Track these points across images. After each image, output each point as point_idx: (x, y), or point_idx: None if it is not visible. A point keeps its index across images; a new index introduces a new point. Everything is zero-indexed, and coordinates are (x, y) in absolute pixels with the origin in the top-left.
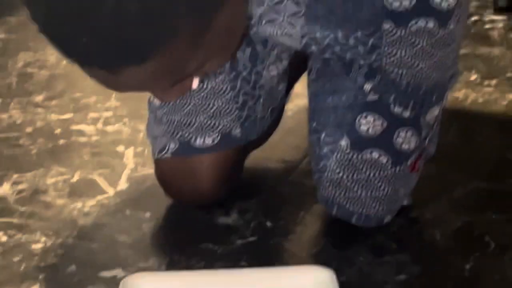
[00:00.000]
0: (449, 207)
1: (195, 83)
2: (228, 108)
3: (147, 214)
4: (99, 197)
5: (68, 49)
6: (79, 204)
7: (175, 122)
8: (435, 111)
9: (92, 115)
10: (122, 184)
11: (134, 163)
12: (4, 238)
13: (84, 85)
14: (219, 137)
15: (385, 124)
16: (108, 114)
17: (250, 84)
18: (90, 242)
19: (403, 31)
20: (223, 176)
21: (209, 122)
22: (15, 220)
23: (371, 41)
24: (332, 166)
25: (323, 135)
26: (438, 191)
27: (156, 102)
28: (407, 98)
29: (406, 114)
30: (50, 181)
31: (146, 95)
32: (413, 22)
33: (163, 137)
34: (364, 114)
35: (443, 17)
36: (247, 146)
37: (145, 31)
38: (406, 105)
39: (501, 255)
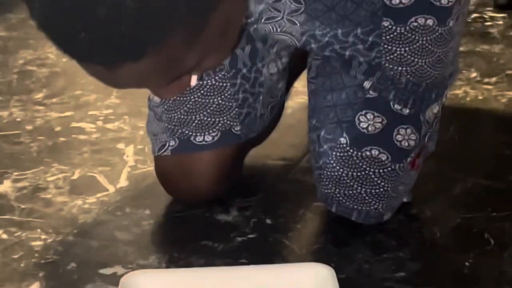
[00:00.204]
0: (449, 204)
1: (194, 80)
2: (228, 105)
3: (147, 212)
4: (99, 195)
5: (66, 45)
6: (79, 202)
7: (175, 120)
8: (434, 109)
9: (92, 112)
10: (122, 182)
11: (134, 161)
12: (5, 236)
13: (84, 83)
14: (219, 135)
15: (384, 122)
16: (108, 111)
17: (250, 81)
18: (90, 239)
19: (403, 29)
20: (223, 174)
21: (209, 119)
22: (15, 218)
23: (370, 38)
24: (332, 164)
25: (322, 132)
26: (438, 189)
27: (156, 99)
28: (407, 96)
29: (406, 111)
30: (50, 178)
31: (146, 92)
32: (412, 19)
33: (163, 134)
34: (363, 112)
35: (442, 14)
36: (247, 143)
37: (142, 28)
38: (406, 103)
39: (500, 252)
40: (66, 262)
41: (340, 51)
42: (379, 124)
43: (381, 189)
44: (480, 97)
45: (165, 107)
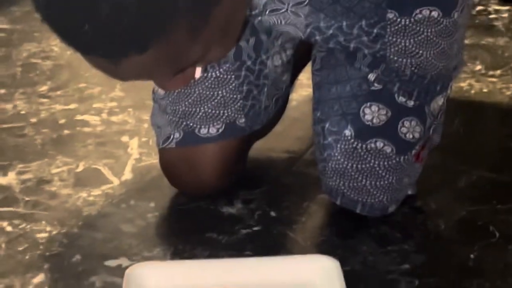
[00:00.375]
0: (454, 197)
1: (198, 72)
2: (232, 97)
3: (152, 204)
4: (104, 187)
5: (70, 38)
6: (83, 194)
7: (180, 112)
8: (439, 101)
9: (96, 105)
10: (127, 174)
11: (139, 153)
12: (9, 228)
13: (89, 75)
14: (223, 127)
15: (389, 114)
16: (113, 104)
17: (254, 73)
18: (94, 231)
19: (407, 21)
20: (227, 166)
21: (213, 111)
22: (20, 210)
23: (375, 30)
24: (337, 156)
25: (327, 124)
26: (443, 181)
27: (161, 92)
28: (412, 88)
29: (411, 103)
30: (54, 171)
31: (150, 85)
32: (417, 11)
33: (168, 126)
34: (368, 104)
35: (447, 6)
36: (251, 136)
37: (145, 21)
38: (411, 95)
39: (505, 245)
40: (71, 254)
41: (344, 43)
42: (384, 116)
43: (386, 182)
44: (485, 90)
45: (170, 99)
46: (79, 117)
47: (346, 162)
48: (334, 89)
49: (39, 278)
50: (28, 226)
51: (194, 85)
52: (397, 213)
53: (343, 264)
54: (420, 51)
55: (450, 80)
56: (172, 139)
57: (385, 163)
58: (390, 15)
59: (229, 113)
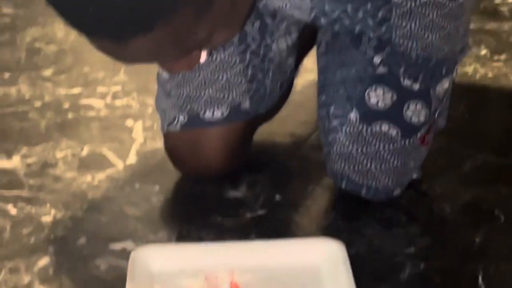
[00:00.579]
0: (459, 180)
1: (203, 56)
2: (237, 81)
3: (156, 187)
4: (109, 171)
5: (75, 20)
6: (88, 178)
7: (184, 95)
8: (445, 84)
9: (100, 89)
10: (131, 158)
11: (143, 137)
12: (14, 211)
13: (93, 59)
14: (228, 110)
15: (394, 97)
16: (117, 88)
17: (259, 57)
18: (99, 214)
19: (413, 3)
20: (232, 150)
21: (218, 95)
22: (24, 193)
23: (380, 13)
24: (342, 139)
25: (332, 108)
26: (448, 165)
27: (165, 75)
28: (417, 71)
29: (416, 86)
30: (59, 154)
31: (155, 69)
32: None
33: (172, 110)
34: (373, 87)
35: None
36: (256, 120)
37: (151, 0)
38: (416, 78)
39: (511, 229)
40: (76, 237)
41: (350, 26)
42: (389, 100)
43: (391, 165)
44: (489, 75)
45: (174, 83)
46: (83, 101)
47: (351, 146)
48: (339, 72)
49: (44, 260)
50: (33, 209)
51: (198, 69)
52: (402, 197)
53: (348, 248)
54: (426, 34)
55: (456, 63)
56: (177, 122)
57: (390, 146)
58: None
59: (234, 96)
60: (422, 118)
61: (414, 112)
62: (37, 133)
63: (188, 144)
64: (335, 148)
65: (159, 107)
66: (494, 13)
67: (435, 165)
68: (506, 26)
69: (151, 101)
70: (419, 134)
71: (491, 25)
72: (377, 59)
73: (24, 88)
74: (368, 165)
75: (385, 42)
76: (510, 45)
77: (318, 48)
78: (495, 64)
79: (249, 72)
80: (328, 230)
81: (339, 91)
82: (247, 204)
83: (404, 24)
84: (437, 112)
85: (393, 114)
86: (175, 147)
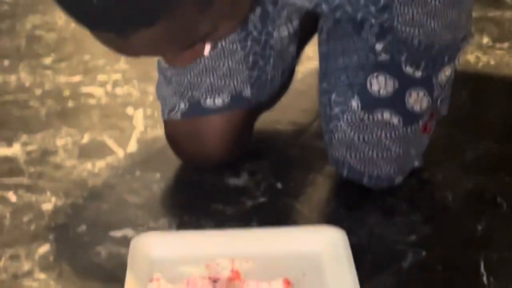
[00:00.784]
0: (461, 168)
1: (207, 49)
2: (238, 68)
3: (157, 175)
4: (109, 158)
5: (78, 13)
6: (88, 165)
7: (185, 82)
8: (447, 72)
9: (101, 77)
10: (132, 146)
11: (144, 125)
12: (14, 198)
13: (93, 47)
14: (229, 98)
15: (396, 84)
16: (117, 76)
17: (260, 44)
18: (100, 202)
19: None
20: (233, 137)
21: (219, 82)
22: (25, 181)
23: (382, 0)
24: (343, 127)
25: (333, 95)
26: (450, 153)
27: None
28: (419, 58)
29: (418, 74)
30: (59, 142)
31: (155, 57)
32: None
33: (173, 97)
34: (375, 74)
35: None
36: (257, 107)
37: None
38: (418, 65)
39: None
40: (77, 225)
41: (351, 13)
42: (391, 87)
43: (393, 153)
44: (492, 63)
45: (175, 70)
46: (83, 89)
47: (352, 133)
48: (341, 59)
49: (45, 248)
50: (33, 197)
51: None
52: (404, 185)
53: (349, 236)
54: (429, 21)
55: (458, 50)
56: (177, 110)
57: (392, 134)
58: None
59: (235, 84)
60: (424, 106)
61: (416, 99)
62: (37, 121)
63: (189, 132)
64: (336, 135)
65: (160, 95)
66: (496, 1)
67: (437, 153)
68: (508, 14)
69: (151, 89)
70: (421, 122)
71: (494, 13)
72: (379, 46)
73: (24, 76)
74: (370, 153)
75: (387, 29)
76: None
77: (319, 35)
78: (498, 52)
79: (250, 59)
80: (329, 218)
81: (341, 78)
82: (248, 192)
83: (406, 11)
84: (439, 100)
85: (395, 101)
86: (176, 134)
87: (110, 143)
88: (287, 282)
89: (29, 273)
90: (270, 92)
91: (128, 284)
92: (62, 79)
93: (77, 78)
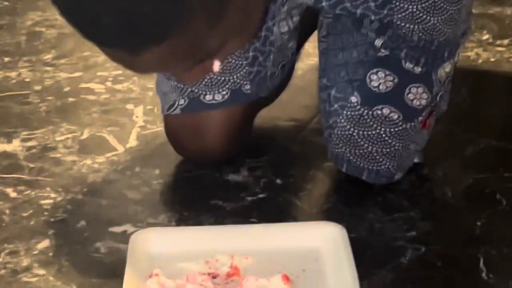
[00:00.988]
0: (460, 165)
1: (216, 65)
2: (238, 63)
3: (157, 171)
4: (109, 154)
5: (89, 32)
6: (88, 161)
7: None
8: (446, 68)
9: (101, 73)
10: (132, 142)
11: (143, 121)
12: (14, 194)
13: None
14: (228, 93)
15: (396, 80)
16: (117, 72)
17: (260, 40)
18: (99, 198)
19: None
20: (233, 133)
21: (218, 78)
22: (25, 176)
23: None
24: (343, 123)
25: (333, 91)
26: (450, 149)
27: None
28: (419, 54)
29: (418, 70)
30: (59, 138)
31: None
32: None
33: (173, 93)
34: (375, 70)
35: None
36: (257, 103)
37: (163, 10)
38: (418, 61)
39: None
40: (76, 220)
41: (351, 9)
42: (391, 83)
43: (392, 149)
44: (492, 59)
45: None
46: (83, 85)
47: (352, 129)
48: (341, 55)
49: (44, 243)
50: (33, 193)
51: None
52: (403, 181)
53: (349, 231)
54: (428, 17)
55: (458, 46)
56: (177, 105)
57: (392, 130)
58: None
59: (235, 79)
60: (423, 102)
61: (416, 95)
62: (37, 117)
63: (188, 128)
64: (336, 131)
65: (160, 90)
66: None
67: (437, 149)
68: (509, 11)
69: (151, 85)
70: (420, 118)
71: (494, 10)
72: (378, 42)
73: (24, 72)
74: (369, 148)
75: (387, 25)
76: None
77: (319, 31)
78: (498, 49)
79: (250, 54)
80: (329, 214)
81: (341, 74)
82: (248, 188)
83: (405, 6)
84: (439, 96)
85: (395, 97)
86: (176, 130)
87: (110, 139)
88: (286, 278)
89: (28, 269)
90: (270, 87)
91: (127, 280)
92: (62, 75)
93: (77, 74)
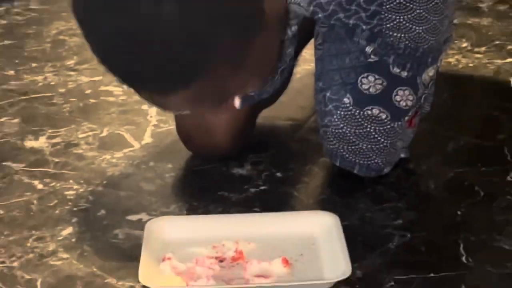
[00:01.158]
0: (442, 160)
1: (237, 102)
2: None
3: (169, 165)
4: (126, 150)
5: (124, 77)
6: (107, 156)
7: None
8: (430, 72)
9: None
10: (147, 139)
11: (157, 120)
12: (41, 186)
13: None
14: None
15: (384, 83)
16: None
17: None
18: (117, 190)
19: None
20: (238, 131)
21: None
22: (50, 170)
23: (372, 7)
24: (336, 122)
25: (328, 93)
26: (433, 146)
27: None
28: (405, 60)
29: (404, 74)
30: (81, 135)
31: None
32: None
33: None
34: (365, 74)
35: None
36: (259, 105)
37: (190, 58)
38: (404, 66)
39: (489, 203)
40: (96, 210)
41: (344, 19)
42: (380, 86)
43: (381, 145)
44: (470, 65)
45: None
46: (103, 88)
47: (345, 127)
48: (335, 61)
49: (68, 230)
50: (58, 185)
51: None
52: (391, 175)
53: (342, 220)
54: (413, 27)
55: (440, 53)
56: None
57: (381, 128)
58: None
59: None
60: (409, 103)
61: (402, 97)
62: (61, 117)
63: (197, 126)
64: (330, 129)
65: None
66: (474, 9)
67: (421, 146)
68: (485, 21)
69: None
70: (406, 118)
71: (472, 20)
72: (369, 49)
73: (49, 76)
74: (360, 144)
75: (376, 34)
76: (489, 38)
77: (315, 39)
78: (476, 55)
79: None
80: (324, 204)
81: (335, 78)
82: (251, 181)
83: (393, 17)
84: (423, 97)
85: (383, 99)
86: (186, 129)
87: (127, 136)
88: (286, 262)
89: (54, 253)
90: (271, 90)
91: (142, 263)
92: (83, 79)
93: (97, 78)
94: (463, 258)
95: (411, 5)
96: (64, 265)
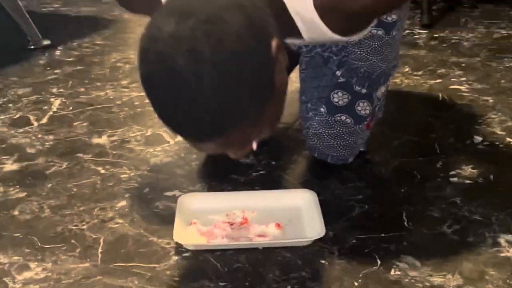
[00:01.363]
0: (390, 152)
1: (254, 145)
2: None
3: (194, 156)
4: (164, 145)
5: (178, 131)
6: (151, 150)
7: None
8: (382, 89)
9: None
10: (179, 137)
11: None
12: (103, 171)
13: None
14: None
15: (350, 98)
16: None
17: None
18: (158, 173)
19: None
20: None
21: None
22: (109, 159)
23: (340, 44)
24: (315, 125)
25: (309, 104)
26: (383, 142)
27: None
28: (364, 81)
29: (364, 91)
30: (132, 135)
31: None
32: (369, 29)
33: None
34: (336, 91)
35: (388, 27)
36: None
37: (224, 115)
38: (363, 85)
39: (424, 184)
40: (143, 188)
41: (321, 52)
42: (346, 99)
43: (347, 142)
44: (411, 84)
45: None
46: (147, 101)
47: (321, 129)
48: (314, 81)
49: (122, 203)
50: (115, 170)
51: None
52: (354, 163)
53: (319, 195)
54: (370, 57)
55: (390, 75)
56: None
57: (347, 130)
58: None
59: None
60: (367, 112)
61: (362, 107)
62: (118, 121)
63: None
64: (310, 130)
65: None
66: (414, 44)
67: (375, 142)
68: (422, 52)
69: None
70: (365, 122)
71: (412, 52)
72: (338, 73)
73: (109, 92)
74: (332, 142)
75: (344, 62)
76: (425, 65)
77: (300, 66)
78: (415, 77)
79: None
80: (306, 184)
81: (314, 94)
82: (253, 167)
83: (355, 50)
84: (377, 108)
85: (349, 109)
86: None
87: (165, 135)
88: (278, 225)
89: (112, 219)
90: None
91: (176, 226)
92: (133, 94)
93: (143, 94)
94: (405, 223)
95: (369, 42)
96: (119, 228)
